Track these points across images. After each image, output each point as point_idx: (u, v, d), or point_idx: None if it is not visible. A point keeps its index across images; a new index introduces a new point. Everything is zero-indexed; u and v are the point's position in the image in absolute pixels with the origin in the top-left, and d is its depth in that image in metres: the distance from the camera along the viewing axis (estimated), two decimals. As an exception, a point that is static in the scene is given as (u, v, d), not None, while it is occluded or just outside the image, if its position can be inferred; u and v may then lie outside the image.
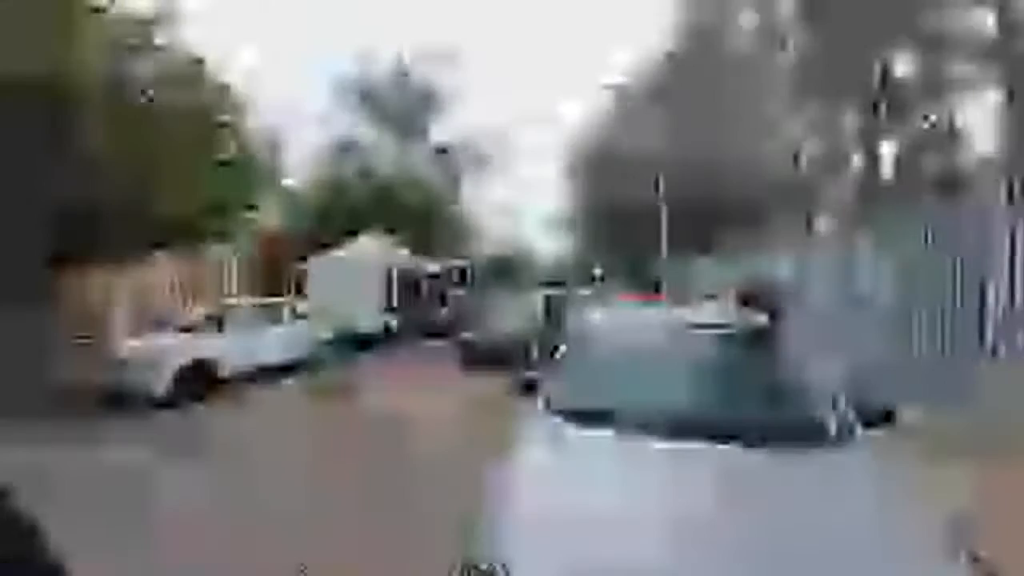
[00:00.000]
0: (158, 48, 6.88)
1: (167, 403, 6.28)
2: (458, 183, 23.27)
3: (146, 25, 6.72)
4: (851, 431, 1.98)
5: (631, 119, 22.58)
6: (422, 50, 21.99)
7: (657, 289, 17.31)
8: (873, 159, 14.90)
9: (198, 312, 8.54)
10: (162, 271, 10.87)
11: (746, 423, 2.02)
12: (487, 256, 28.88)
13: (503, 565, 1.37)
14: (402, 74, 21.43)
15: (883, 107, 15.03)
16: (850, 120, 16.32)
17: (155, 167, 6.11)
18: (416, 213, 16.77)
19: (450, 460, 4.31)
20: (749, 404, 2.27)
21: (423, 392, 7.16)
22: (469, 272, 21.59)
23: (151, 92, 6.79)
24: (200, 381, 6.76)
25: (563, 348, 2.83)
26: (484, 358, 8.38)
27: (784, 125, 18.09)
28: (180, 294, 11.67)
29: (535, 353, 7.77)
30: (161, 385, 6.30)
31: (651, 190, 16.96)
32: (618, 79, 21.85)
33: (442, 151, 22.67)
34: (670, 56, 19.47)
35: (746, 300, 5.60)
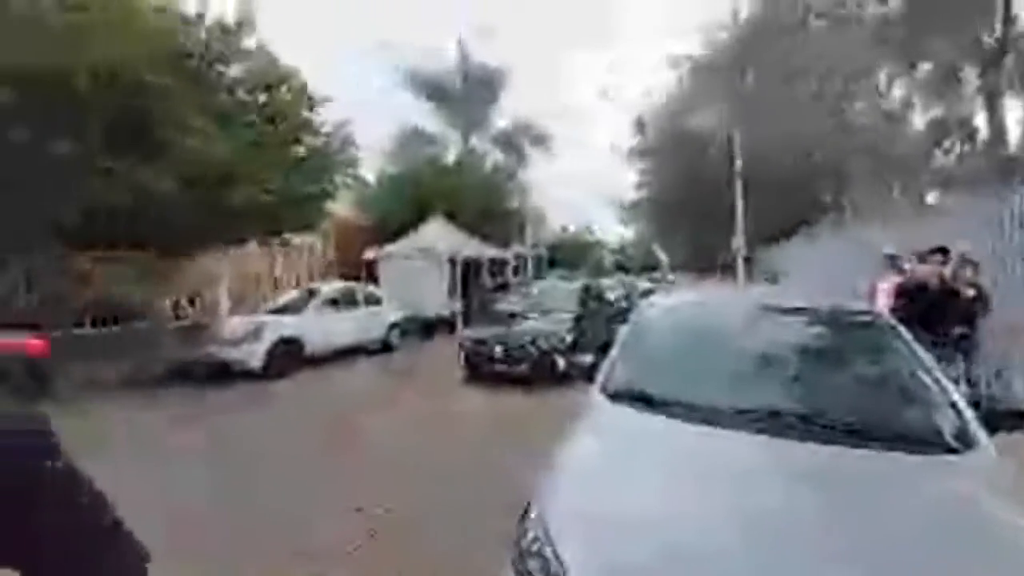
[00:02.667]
0: (243, 52, 7.49)
1: (261, 375, 7.01)
2: (523, 167, 23.18)
3: (231, 33, 7.33)
4: (970, 435, 1.72)
5: (704, 91, 21.08)
6: (481, 33, 21.96)
7: (728, 273, 16.25)
8: (997, 124, 12.69)
9: (285, 296, 9.36)
10: (253, 259, 11.98)
11: (825, 418, 1.83)
12: (550, 242, 28.68)
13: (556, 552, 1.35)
14: (464, 61, 21.60)
15: (1008, 62, 12.69)
16: (969, 79, 13.97)
17: (243, 163, 6.70)
18: (480, 199, 16.98)
19: (501, 432, 4.40)
20: (832, 397, 2.05)
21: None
22: (530, 259, 21.62)
23: (239, 94, 7.46)
24: (288, 357, 7.45)
25: (623, 333, 2.71)
26: (494, 364, 6.69)
27: (889, 89, 15.90)
28: (269, 280, 12.83)
29: (561, 362, 6.36)
30: (257, 360, 7.03)
31: (726, 168, 15.81)
32: (690, 48, 20.40)
33: (505, 135, 22.64)
34: (749, 19, 17.71)
35: (917, 289, 4.04)
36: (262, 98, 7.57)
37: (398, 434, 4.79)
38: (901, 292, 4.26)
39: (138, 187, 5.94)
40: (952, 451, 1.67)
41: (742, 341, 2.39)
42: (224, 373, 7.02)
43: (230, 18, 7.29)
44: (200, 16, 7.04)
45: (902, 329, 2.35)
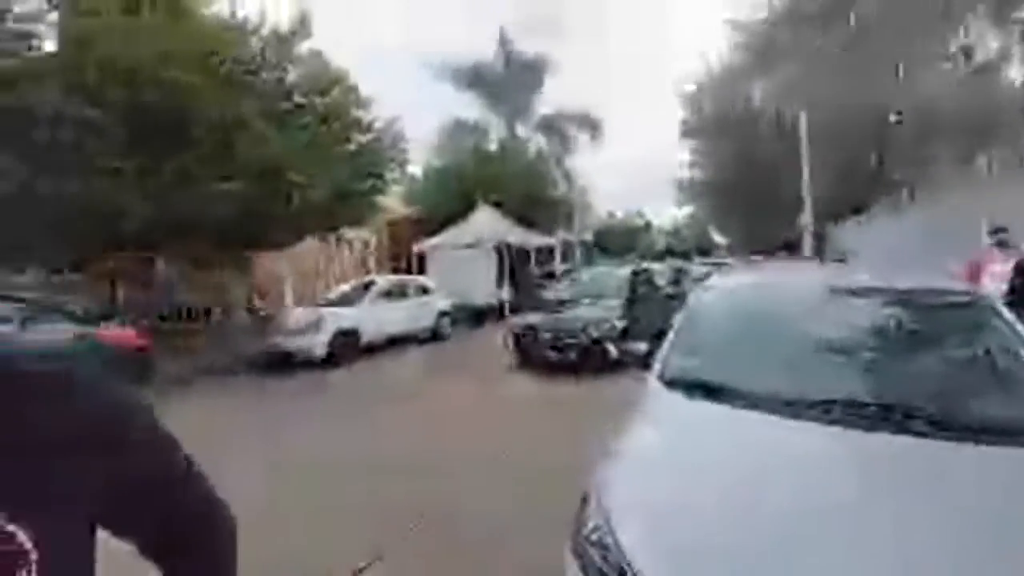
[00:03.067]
0: (298, 58, 7.87)
1: (323, 363, 7.45)
2: (569, 153, 22.77)
3: (286, 41, 7.70)
4: None
5: (763, 58, 19.59)
6: (524, 20, 21.53)
7: (791, 252, 15.19)
8: None
9: (341, 289, 9.84)
10: (311, 255, 12.69)
11: (906, 407, 1.65)
12: (597, 228, 28.11)
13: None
14: (507, 49, 21.39)
15: None
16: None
17: (301, 162, 7.07)
18: (525, 186, 16.90)
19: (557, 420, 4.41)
20: (922, 385, 1.85)
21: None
22: (577, 245, 21.31)
23: (296, 97, 7.86)
24: (346, 347, 7.86)
25: (681, 318, 2.60)
26: (543, 351, 6.71)
27: (978, 47, 13.97)
28: (326, 274, 13.55)
29: (612, 349, 6.27)
30: (320, 350, 7.48)
31: (785, 142, 14.67)
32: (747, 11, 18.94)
33: (549, 121, 22.29)
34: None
35: None
36: (316, 100, 7.93)
37: (455, 420, 4.94)
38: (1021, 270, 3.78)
39: (211, 192, 6.46)
40: None
41: (812, 324, 2.20)
42: (288, 363, 7.53)
43: (284, 24, 7.68)
44: (258, 27, 7.45)
45: (1004, 309, 2.09)
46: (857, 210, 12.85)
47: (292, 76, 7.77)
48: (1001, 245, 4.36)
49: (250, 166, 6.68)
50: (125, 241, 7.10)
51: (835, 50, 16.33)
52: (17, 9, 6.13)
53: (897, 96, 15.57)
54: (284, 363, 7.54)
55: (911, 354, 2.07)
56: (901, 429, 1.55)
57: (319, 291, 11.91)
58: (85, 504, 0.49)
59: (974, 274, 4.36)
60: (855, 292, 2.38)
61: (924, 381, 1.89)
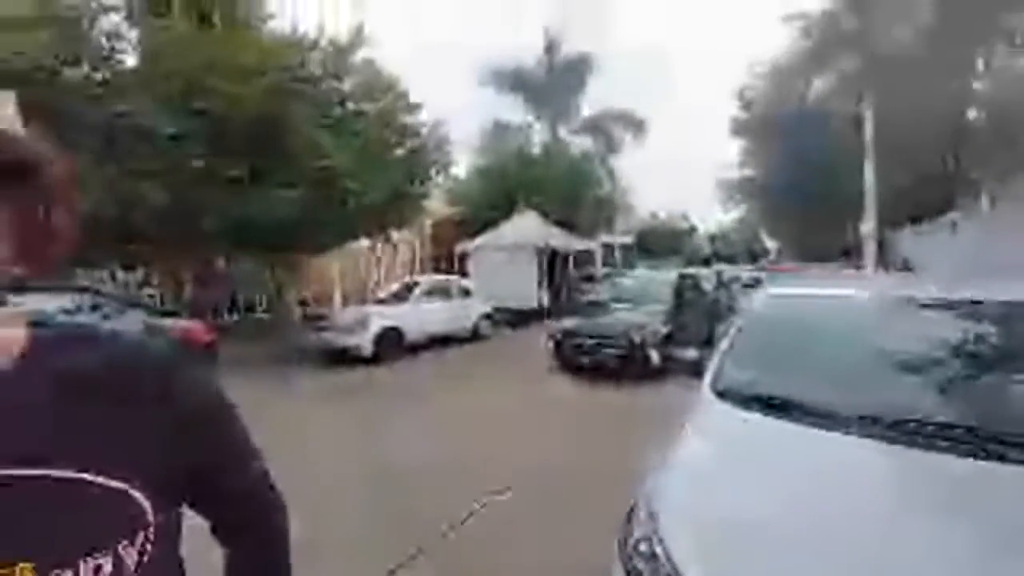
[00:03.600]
0: (353, 67, 8.24)
1: (371, 360, 7.75)
2: (612, 153, 22.44)
3: (343, 51, 8.08)
4: None
5: (824, 52, 18.53)
6: (569, 17, 21.41)
7: (851, 260, 14.25)
8: None
9: (388, 289, 10.20)
10: (361, 256, 13.22)
11: (994, 430, 1.53)
12: (640, 230, 27.54)
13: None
14: (550, 51, 21.38)
15: None
16: None
17: (354, 167, 7.41)
18: (566, 188, 16.83)
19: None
20: (1006, 407, 1.71)
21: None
22: (618, 248, 20.97)
23: (350, 105, 8.23)
24: (391, 345, 8.13)
25: (737, 326, 2.52)
26: (584, 356, 6.65)
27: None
28: (374, 274, 14.06)
29: (655, 356, 6.17)
30: (367, 347, 7.79)
31: (844, 143, 13.79)
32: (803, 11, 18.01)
33: (592, 122, 22.07)
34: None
35: None
36: (368, 107, 8.28)
37: (493, 422, 5.01)
38: None
39: (274, 197, 6.91)
40: None
41: (879, 337, 2.10)
42: (338, 359, 7.88)
43: (342, 35, 8.07)
44: (316, 40, 7.88)
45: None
46: (920, 218, 11.88)
47: (347, 85, 8.15)
48: None
49: (308, 172, 7.07)
50: (196, 241, 7.68)
51: (906, 39, 15.22)
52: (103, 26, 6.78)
53: (975, 91, 14.30)
54: (334, 359, 7.91)
55: (1004, 372, 1.90)
56: (975, 452, 1.44)
57: (367, 291, 12.40)
58: (183, 476, 0.54)
59: None
60: (928, 304, 2.23)
61: (995, 401, 1.74)
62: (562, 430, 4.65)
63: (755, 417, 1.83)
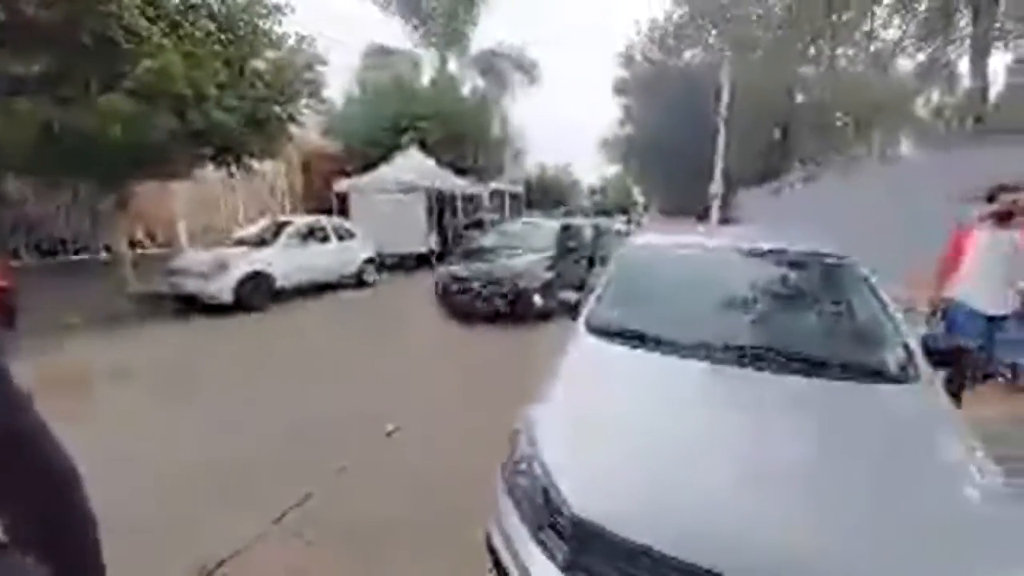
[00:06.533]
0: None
1: (232, 307, 6.89)
2: (505, 95, 21.86)
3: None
4: (915, 369, 1.90)
5: (693, 23, 20.02)
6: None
7: (704, 217, 16.46)
8: (981, 70, 12.62)
9: (251, 229, 8.95)
10: (213, 188, 11.26)
11: (790, 351, 1.98)
12: (529, 179, 27.97)
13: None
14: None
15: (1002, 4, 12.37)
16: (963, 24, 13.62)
17: (195, 75, 6.06)
18: (457, 126, 16.06)
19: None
20: (799, 334, 2.22)
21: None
22: (508, 196, 21.16)
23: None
24: (257, 291, 7.29)
25: (607, 271, 2.79)
26: (472, 300, 6.73)
27: (886, 28, 15.33)
28: (233, 211, 12.18)
29: (538, 298, 6.52)
30: (227, 292, 6.86)
31: (711, 108, 15.43)
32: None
33: (485, 58, 21.07)
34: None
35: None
36: (212, 2, 6.69)
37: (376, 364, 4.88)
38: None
39: (82, 104, 5.40)
40: (897, 381, 1.85)
41: (710, 279, 2.57)
42: (186, 308, 6.83)
43: None
44: None
45: (867, 272, 2.48)
46: (763, 180, 14.11)
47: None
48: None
49: (132, 74, 5.60)
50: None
51: (758, 24, 17.15)
52: None
53: (807, 76, 16.87)
54: (181, 309, 6.84)
55: (791, 306, 2.46)
56: (783, 370, 1.88)
57: (221, 230, 10.74)
58: None
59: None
60: (751, 253, 2.71)
61: (802, 331, 2.26)
62: (456, 367, 4.74)
63: (618, 348, 2.10)
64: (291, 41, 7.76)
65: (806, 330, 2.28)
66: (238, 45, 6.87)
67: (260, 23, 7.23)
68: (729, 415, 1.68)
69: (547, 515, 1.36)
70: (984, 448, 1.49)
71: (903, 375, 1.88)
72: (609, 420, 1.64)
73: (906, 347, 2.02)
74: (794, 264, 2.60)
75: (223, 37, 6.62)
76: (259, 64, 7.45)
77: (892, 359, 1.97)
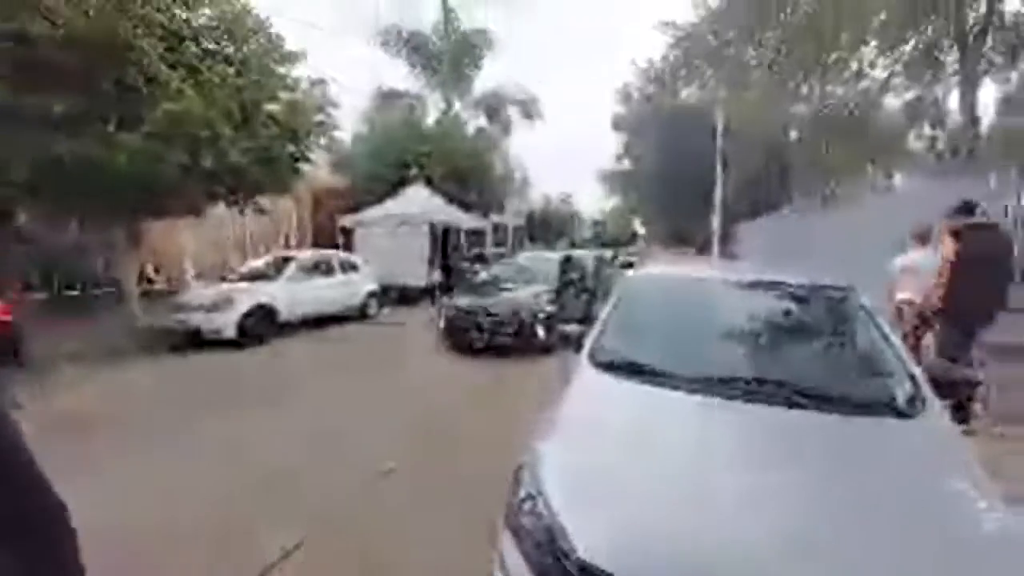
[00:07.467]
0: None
1: (235, 342, 6.90)
2: (507, 134, 22.54)
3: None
4: (923, 401, 1.87)
5: (690, 61, 20.83)
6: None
7: (704, 249, 16.59)
8: (969, 107, 12.98)
9: (259, 262, 9.09)
10: (224, 224, 11.52)
11: (797, 386, 1.94)
12: (531, 212, 28.40)
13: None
14: (447, 19, 20.51)
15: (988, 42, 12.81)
16: (950, 60, 14.09)
17: (211, 116, 6.32)
18: (460, 164, 16.51)
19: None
20: (804, 367, 2.18)
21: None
22: (510, 229, 21.46)
23: (206, 43, 6.94)
24: (262, 325, 7.32)
25: (610, 304, 2.80)
26: (475, 333, 6.66)
27: (874, 67, 15.87)
28: (242, 245, 12.40)
29: (541, 331, 6.48)
30: (230, 327, 6.89)
31: (709, 144, 15.84)
32: (675, 19, 19.92)
33: (489, 100, 21.85)
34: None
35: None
36: (230, 50, 7.07)
37: (384, 401, 4.83)
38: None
39: (103, 143, 5.63)
40: (906, 415, 1.82)
41: (711, 312, 2.56)
42: (190, 343, 6.84)
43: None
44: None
45: (867, 303, 2.49)
46: (761, 213, 14.29)
47: (203, 19, 6.83)
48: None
49: (151, 117, 5.85)
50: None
51: (753, 63, 17.83)
52: None
53: (800, 113, 17.36)
54: (183, 343, 6.85)
55: (796, 339, 2.43)
56: (789, 404, 1.84)
57: (232, 264, 10.91)
58: None
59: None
60: (754, 285, 2.73)
61: (809, 365, 2.23)
62: (458, 404, 4.68)
63: (623, 383, 2.07)
64: (304, 84, 8.14)
65: (811, 363, 2.25)
66: (253, 89, 7.19)
67: (276, 68, 7.60)
68: (739, 455, 1.64)
69: (552, 557, 1.32)
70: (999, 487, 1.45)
71: (912, 408, 1.84)
72: (615, 460, 1.60)
73: (912, 378, 2.00)
74: (796, 296, 2.60)
75: (240, 82, 6.94)
76: (273, 106, 7.77)
77: (900, 392, 1.94)
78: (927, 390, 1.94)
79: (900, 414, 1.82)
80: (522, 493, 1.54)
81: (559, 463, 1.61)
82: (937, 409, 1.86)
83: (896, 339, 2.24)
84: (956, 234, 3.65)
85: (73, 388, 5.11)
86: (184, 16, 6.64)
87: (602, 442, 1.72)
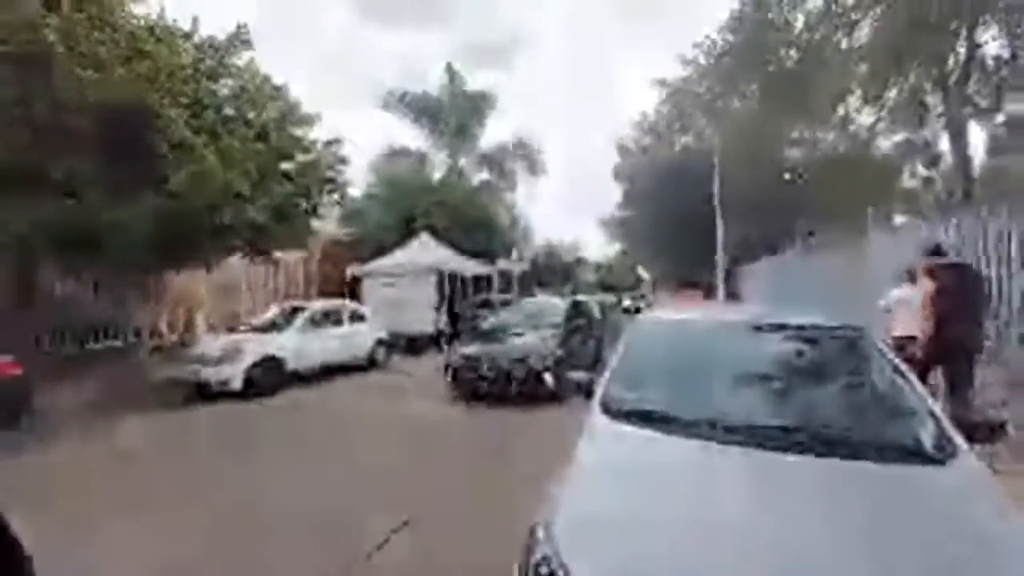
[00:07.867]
0: (233, 69, 7.51)
1: (242, 394, 6.85)
2: (512, 188, 23.31)
3: (220, 50, 7.35)
4: (951, 445, 1.81)
5: (684, 114, 21.82)
6: (472, 51, 22.12)
7: (710, 291, 16.61)
8: (961, 149, 13.33)
9: (268, 314, 9.18)
10: (236, 275, 11.77)
11: (817, 432, 1.90)
12: (536, 258, 28.80)
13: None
14: (452, 79, 21.84)
15: (971, 85, 13.35)
16: (934, 104, 14.64)
17: (230, 176, 6.64)
18: (467, 215, 17.03)
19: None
20: (823, 412, 2.13)
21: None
22: (515, 275, 21.69)
23: (227, 110, 7.43)
24: (270, 376, 7.28)
25: (620, 350, 2.76)
26: (482, 382, 6.59)
27: (859, 113, 16.54)
28: (253, 296, 12.59)
29: (549, 378, 6.31)
30: (238, 379, 6.87)
31: (706, 190, 16.28)
32: (671, 74, 21.12)
33: (494, 154, 22.78)
34: (727, 47, 18.24)
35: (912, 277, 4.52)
36: (251, 115, 7.56)
37: (389, 454, 4.71)
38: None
39: (134, 208, 5.91)
40: (937, 461, 1.74)
41: (722, 356, 2.51)
42: (199, 395, 6.81)
43: (220, 33, 7.33)
44: (190, 33, 7.06)
45: (879, 342, 2.47)
46: (763, 255, 14.42)
47: (225, 89, 7.36)
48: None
49: (179, 181, 6.16)
50: (13, 252, 6.17)
51: (741, 112, 18.65)
52: None
53: (793, 157, 17.92)
54: (193, 395, 6.81)
55: (812, 383, 2.37)
56: (813, 452, 1.77)
57: (243, 315, 11.04)
58: None
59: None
60: (764, 328, 2.69)
61: (828, 409, 2.16)
62: (459, 456, 4.55)
63: (638, 432, 2.02)
64: (319, 145, 8.59)
65: (827, 407, 2.18)
66: (271, 150, 7.61)
67: (292, 130, 8.07)
68: (759, 509, 1.54)
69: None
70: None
71: (941, 454, 1.77)
72: (632, 517, 1.54)
73: (934, 417, 1.94)
74: (808, 338, 2.56)
75: (259, 146, 7.35)
76: (289, 165, 8.18)
77: (926, 435, 1.87)
78: (952, 431, 1.87)
79: (931, 460, 1.76)
80: (538, 554, 1.48)
81: (573, 521, 1.55)
82: (968, 453, 1.79)
83: (915, 380, 2.20)
84: (931, 272, 4.16)
85: (70, 442, 5.05)
86: (210, 87, 7.15)
87: (617, 498, 1.65)
